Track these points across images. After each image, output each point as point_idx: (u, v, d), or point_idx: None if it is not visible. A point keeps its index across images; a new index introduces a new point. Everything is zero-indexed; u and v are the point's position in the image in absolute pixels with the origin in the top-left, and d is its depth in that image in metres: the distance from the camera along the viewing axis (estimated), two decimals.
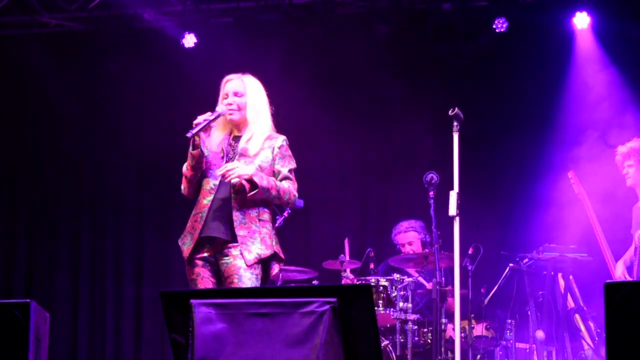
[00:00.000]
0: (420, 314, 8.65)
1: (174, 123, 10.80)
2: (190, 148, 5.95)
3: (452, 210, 6.32)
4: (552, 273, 8.09)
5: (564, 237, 9.97)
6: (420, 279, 8.85)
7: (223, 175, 5.92)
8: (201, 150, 5.98)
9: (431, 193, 7.63)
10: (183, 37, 10.76)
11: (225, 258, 6.00)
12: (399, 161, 10.67)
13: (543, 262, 8.11)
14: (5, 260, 11.03)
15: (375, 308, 7.91)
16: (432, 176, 7.62)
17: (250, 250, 5.95)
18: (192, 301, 4.71)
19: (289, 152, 6.17)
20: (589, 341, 8.23)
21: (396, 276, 8.53)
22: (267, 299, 4.71)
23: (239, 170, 5.89)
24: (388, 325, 8.59)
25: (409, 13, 10.73)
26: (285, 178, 6.10)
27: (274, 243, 6.06)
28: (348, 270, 8.95)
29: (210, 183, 6.05)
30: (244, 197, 5.95)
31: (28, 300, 5.14)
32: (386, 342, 8.44)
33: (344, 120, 10.71)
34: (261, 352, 4.62)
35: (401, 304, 8.44)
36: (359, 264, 9.14)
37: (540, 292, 8.42)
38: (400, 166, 10.62)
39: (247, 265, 5.91)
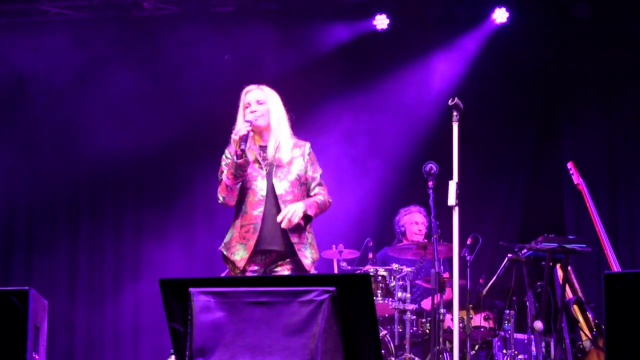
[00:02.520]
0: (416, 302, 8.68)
1: (174, 112, 10.82)
2: (235, 158, 6.09)
3: (452, 200, 6.31)
4: (551, 264, 8.07)
5: (563, 227, 10.00)
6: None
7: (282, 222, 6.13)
8: (247, 159, 6.15)
9: (430, 183, 7.63)
10: (184, 26, 10.76)
11: (277, 270, 6.24)
12: (398, 151, 10.67)
13: (542, 253, 8.09)
14: (4, 247, 11.03)
15: (374, 298, 7.92)
16: (432, 166, 7.62)
17: (306, 255, 6.23)
18: (191, 289, 4.71)
19: (316, 158, 6.44)
20: (587, 332, 8.22)
21: (395, 266, 8.53)
22: (266, 287, 4.72)
23: (295, 213, 6.11)
24: (386, 315, 8.61)
25: (408, 2, 10.72)
26: (319, 184, 6.41)
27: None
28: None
29: (258, 194, 6.23)
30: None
31: (27, 288, 5.14)
32: (384, 331, 8.45)
33: (343, 110, 10.70)
34: (260, 340, 4.62)
35: (399, 293, 8.45)
36: (358, 254, 9.14)
37: (539, 283, 8.41)
38: (400, 156, 10.62)
39: (307, 270, 6.21)
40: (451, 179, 6.34)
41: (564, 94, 10.53)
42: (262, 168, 6.26)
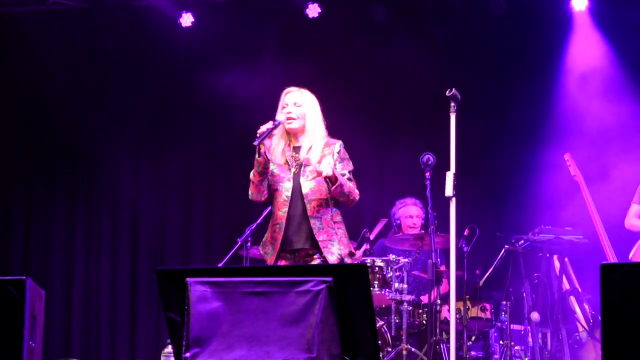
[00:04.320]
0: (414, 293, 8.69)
1: (171, 101, 10.80)
2: (257, 155, 6.27)
3: (449, 191, 6.31)
4: (548, 255, 8.10)
5: (560, 218, 9.99)
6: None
7: (318, 174, 6.24)
8: (266, 156, 6.32)
9: (427, 174, 7.63)
10: (180, 16, 10.74)
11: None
12: (395, 142, 10.66)
13: (539, 244, 8.12)
14: (1, 237, 11.02)
15: (371, 288, 7.92)
16: (429, 157, 7.63)
17: (332, 252, 6.28)
18: (188, 279, 4.72)
19: (347, 155, 6.52)
20: (583, 323, 8.25)
21: (392, 257, 8.54)
22: (263, 277, 4.72)
23: (327, 168, 6.17)
24: (383, 306, 8.60)
25: None
26: (349, 179, 6.41)
27: (348, 241, 6.43)
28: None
29: (283, 195, 6.37)
30: (318, 202, 6.33)
31: (24, 277, 5.14)
32: (381, 322, 8.45)
33: (340, 101, 10.68)
34: (257, 330, 4.63)
35: (396, 284, 8.45)
36: (355, 245, 9.14)
37: (536, 274, 8.43)
38: (397, 147, 10.62)
39: None
40: (448, 169, 6.35)
41: (559, 84, 10.52)
42: (290, 170, 6.39)
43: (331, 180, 6.20)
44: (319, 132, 6.49)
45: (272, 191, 6.41)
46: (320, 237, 6.27)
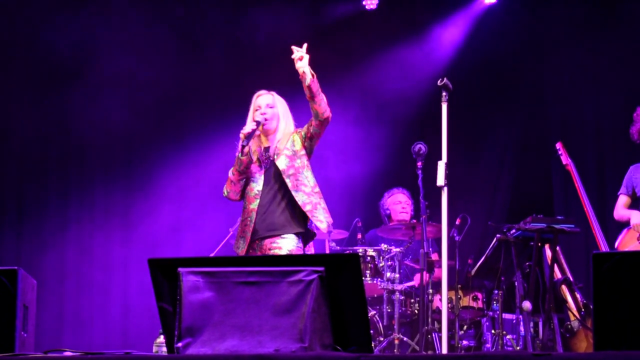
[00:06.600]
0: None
1: (167, 91, 10.74)
2: (240, 154, 6.55)
3: (440, 180, 6.32)
4: (539, 244, 8.09)
5: (552, 208, 10.01)
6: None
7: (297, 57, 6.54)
8: (250, 156, 6.60)
9: (419, 163, 7.64)
10: None
11: (270, 252, 6.52)
12: (386, 132, 10.67)
13: (530, 233, 8.12)
14: None
15: (363, 278, 7.93)
16: (420, 147, 7.64)
17: (317, 217, 6.52)
18: (180, 269, 4.72)
19: None
20: (575, 312, 8.26)
21: (384, 246, 8.54)
22: (255, 267, 4.72)
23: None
24: (375, 295, 8.62)
25: None
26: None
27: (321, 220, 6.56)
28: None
29: (255, 190, 6.62)
30: (295, 177, 6.52)
31: (15, 267, 5.14)
32: (373, 312, 8.47)
33: (332, 90, 10.67)
34: (249, 320, 4.63)
35: (388, 274, 8.46)
36: (347, 234, 9.15)
37: (527, 263, 8.43)
38: (388, 136, 10.62)
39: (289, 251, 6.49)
40: (440, 159, 6.36)
41: (552, 75, 10.53)
42: (261, 167, 6.62)
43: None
44: (287, 131, 6.72)
45: (245, 187, 6.68)
46: (306, 208, 6.47)
